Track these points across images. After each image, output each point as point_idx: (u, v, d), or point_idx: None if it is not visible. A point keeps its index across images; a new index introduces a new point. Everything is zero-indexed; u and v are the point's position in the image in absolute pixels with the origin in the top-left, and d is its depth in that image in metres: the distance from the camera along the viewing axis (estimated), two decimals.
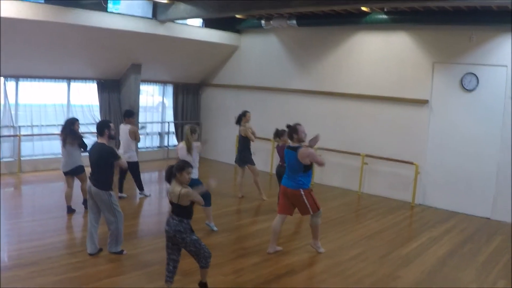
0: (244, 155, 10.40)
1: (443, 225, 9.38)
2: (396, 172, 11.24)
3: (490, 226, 9.52)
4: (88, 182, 6.70)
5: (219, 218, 8.85)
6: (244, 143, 10.40)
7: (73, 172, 8.56)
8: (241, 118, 10.39)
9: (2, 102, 11.19)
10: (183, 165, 5.35)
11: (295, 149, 7.00)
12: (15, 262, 6.22)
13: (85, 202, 8.48)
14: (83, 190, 8.72)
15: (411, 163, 10.80)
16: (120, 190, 9.87)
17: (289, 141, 7.28)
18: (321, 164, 7.15)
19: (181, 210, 5.35)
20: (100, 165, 6.56)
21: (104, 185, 6.54)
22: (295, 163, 6.99)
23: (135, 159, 9.88)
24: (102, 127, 6.75)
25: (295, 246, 7.73)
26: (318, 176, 12.34)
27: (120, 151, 9.64)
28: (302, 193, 7.03)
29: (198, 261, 5.45)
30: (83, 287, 5.66)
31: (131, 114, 10.00)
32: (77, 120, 8.78)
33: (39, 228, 7.68)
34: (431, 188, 10.89)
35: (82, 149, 8.56)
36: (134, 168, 9.89)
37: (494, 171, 9.96)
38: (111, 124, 6.91)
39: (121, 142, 9.91)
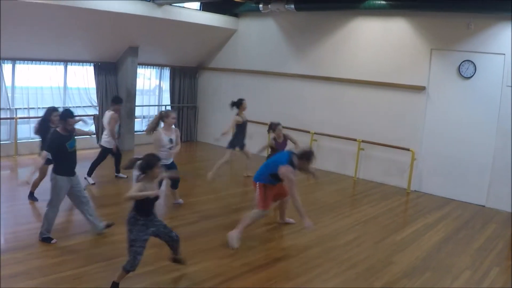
0: (234, 139, 10.64)
1: (438, 212, 9.43)
2: (392, 158, 11.26)
3: (485, 213, 9.57)
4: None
5: (216, 201, 8.92)
6: (238, 128, 10.58)
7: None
8: (238, 107, 10.48)
9: None
10: (153, 162, 5.19)
11: (287, 160, 6.71)
12: (12, 245, 6.24)
13: None
14: None
15: (407, 150, 10.82)
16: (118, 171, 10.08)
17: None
18: (292, 195, 6.69)
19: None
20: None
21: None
22: (274, 167, 6.76)
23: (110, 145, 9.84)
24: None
25: (291, 230, 7.77)
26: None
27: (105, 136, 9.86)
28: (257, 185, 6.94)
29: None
30: (80, 269, 5.69)
31: (117, 101, 10.07)
32: (55, 110, 8.14)
33: (35, 211, 7.71)
34: (426, 174, 10.93)
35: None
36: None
37: (490, 159, 9.99)
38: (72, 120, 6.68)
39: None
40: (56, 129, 6.61)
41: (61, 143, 6.44)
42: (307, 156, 6.78)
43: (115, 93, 13.00)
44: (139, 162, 5.21)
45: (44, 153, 6.35)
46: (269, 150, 9.66)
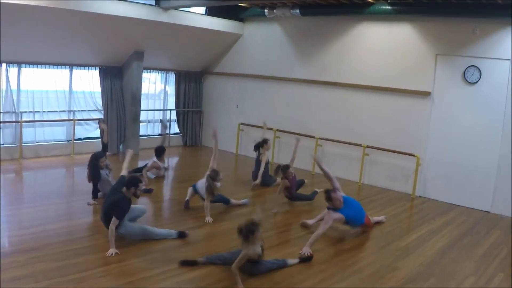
0: (264, 179, 10.67)
1: (442, 218, 9.39)
2: (397, 164, 11.24)
3: (490, 219, 9.53)
4: None
5: (221, 206, 8.89)
6: (266, 167, 10.74)
7: None
8: (262, 146, 10.73)
9: (4, 88, 11.15)
10: (254, 229, 5.70)
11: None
12: (16, 248, 6.24)
13: None
14: None
15: (412, 155, 10.80)
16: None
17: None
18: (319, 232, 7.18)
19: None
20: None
21: None
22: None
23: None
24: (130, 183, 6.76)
25: (295, 235, 7.77)
26: None
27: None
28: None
29: None
30: (84, 273, 5.69)
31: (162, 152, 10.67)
32: (102, 156, 8.71)
33: (40, 214, 7.70)
34: (431, 180, 10.90)
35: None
36: None
37: (494, 164, 9.96)
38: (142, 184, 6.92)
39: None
40: (126, 196, 6.64)
41: (129, 207, 6.71)
42: (326, 197, 7.58)
43: (120, 98, 13.06)
44: (241, 228, 5.72)
45: (116, 221, 6.39)
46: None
